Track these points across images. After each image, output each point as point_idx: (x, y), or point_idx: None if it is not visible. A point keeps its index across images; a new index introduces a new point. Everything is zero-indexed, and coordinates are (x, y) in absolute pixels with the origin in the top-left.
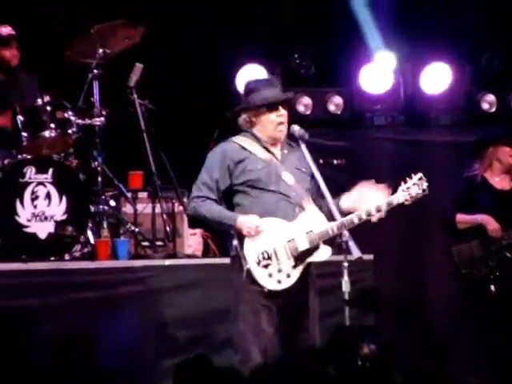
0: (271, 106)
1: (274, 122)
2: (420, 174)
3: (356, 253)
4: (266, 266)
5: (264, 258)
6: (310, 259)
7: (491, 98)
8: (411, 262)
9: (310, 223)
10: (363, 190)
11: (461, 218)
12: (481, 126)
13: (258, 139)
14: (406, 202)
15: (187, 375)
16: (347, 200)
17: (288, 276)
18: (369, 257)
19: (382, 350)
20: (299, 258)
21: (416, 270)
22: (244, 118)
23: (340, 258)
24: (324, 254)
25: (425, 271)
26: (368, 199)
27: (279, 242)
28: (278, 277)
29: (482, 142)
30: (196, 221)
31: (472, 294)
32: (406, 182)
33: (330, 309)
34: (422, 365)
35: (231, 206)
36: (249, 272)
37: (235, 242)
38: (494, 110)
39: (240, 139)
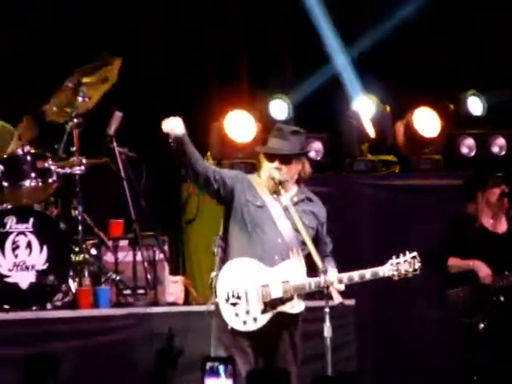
0: (268, 157)
1: (267, 171)
2: (414, 253)
3: (337, 298)
4: (233, 305)
5: (233, 296)
6: (281, 309)
7: (470, 142)
8: (393, 306)
9: (289, 273)
10: None
11: (452, 262)
12: (460, 170)
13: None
14: (394, 278)
15: None
16: None
17: (255, 320)
18: (350, 302)
19: None
20: (270, 304)
21: (399, 315)
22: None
23: (321, 303)
24: (296, 307)
25: (408, 316)
26: None
27: (253, 285)
28: (245, 318)
29: (471, 183)
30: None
31: (462, 336)
32: (397, 257)
33: (311, 354)
34: None
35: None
36: (215, 306)
37: (213, 275)
38: (473, 154)
39: (253, 177)
